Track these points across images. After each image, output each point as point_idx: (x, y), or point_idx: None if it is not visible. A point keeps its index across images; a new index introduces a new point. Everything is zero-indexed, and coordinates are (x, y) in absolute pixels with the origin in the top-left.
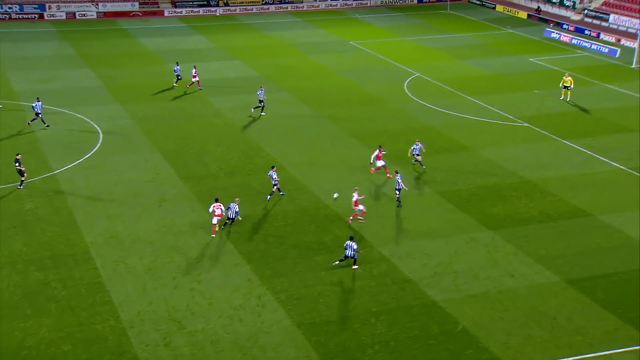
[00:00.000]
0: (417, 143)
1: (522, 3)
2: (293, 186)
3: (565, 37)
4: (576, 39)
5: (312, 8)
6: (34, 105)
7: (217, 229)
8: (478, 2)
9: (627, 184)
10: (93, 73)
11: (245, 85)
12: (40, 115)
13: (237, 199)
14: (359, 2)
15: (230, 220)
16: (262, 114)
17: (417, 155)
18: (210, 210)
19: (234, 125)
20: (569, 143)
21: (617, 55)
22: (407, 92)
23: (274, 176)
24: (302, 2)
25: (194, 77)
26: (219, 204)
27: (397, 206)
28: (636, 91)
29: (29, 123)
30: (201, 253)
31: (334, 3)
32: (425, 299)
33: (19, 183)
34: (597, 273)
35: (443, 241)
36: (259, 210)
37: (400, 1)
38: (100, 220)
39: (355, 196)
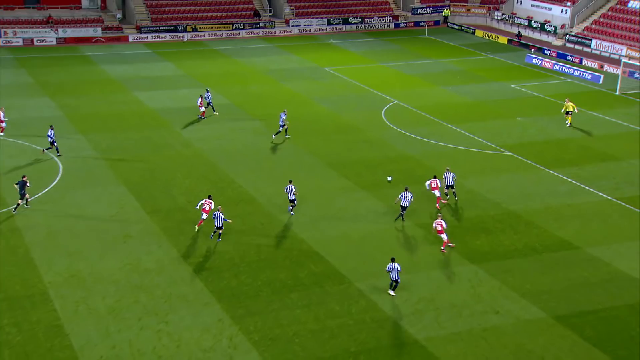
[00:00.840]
0: (448, 172)
1: (502, 28)
2: (266, 219)
3: (547, 63)
4: (558, 64)
5: (285, 33)
6: (49, 133)
7: (202, 224)
8: (457, 27)
9: (615, 215)
10: (53, 102)
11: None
12: (55, 144)
13: (219, 207)
14: (334, 27)
15: (219, 229)
16: (287, 136)
17: (451, 186)
18: (198, 206)
19: (204, 155)
20: (553, 172)
21: (600, 82)
22: (385, 120)
23: (293, 190)
24: (274, 27)
25: (203, 105)
26: (210, 200)
27: (401, 219)
28: (621, 118)
29: (43, 151)
30: (168, 292)
31: (307, 28)
32: (407, 338)
33: (17, 206)
34: (586, 309)
35: (424, 276)
36: (230, 245)
37: (377, 26)
38: (60, 259)
39: (441, 223)
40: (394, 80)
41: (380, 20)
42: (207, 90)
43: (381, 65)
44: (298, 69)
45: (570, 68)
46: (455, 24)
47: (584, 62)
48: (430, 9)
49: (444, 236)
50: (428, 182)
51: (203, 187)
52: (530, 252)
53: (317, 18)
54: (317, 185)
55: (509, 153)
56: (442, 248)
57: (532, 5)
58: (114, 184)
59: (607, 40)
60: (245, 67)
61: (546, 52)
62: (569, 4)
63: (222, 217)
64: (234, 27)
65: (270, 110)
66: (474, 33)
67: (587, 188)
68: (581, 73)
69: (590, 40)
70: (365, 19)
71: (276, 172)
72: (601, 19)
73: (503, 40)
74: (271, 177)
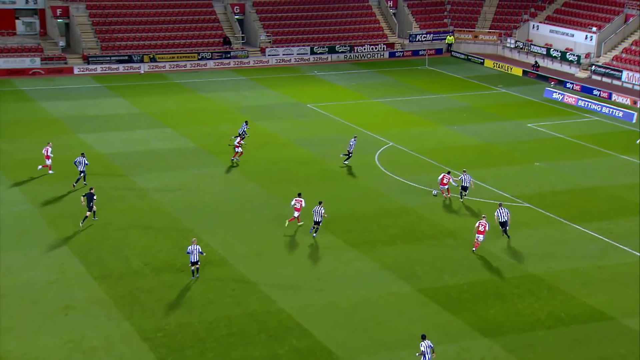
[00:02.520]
0: (465, 173)
1: (516, 57)
2: (238, 285)
3: (569, 98)
4: (583, 100)
5: (260, 64)
6: (76, 160)
7: (294, 220)
8: (462, 57)
9: None
10: None
11: (178, 159)
12: (83, 173)
13: (194, 239)
14: (318, 56)
15: (195, 264)
16: (346, 162)
17: (466, 188)
18: (293, 203)
19: (163, 209)
20: (580, 228)
21: (634, 120)
22: (379, 165)
23: (322, 212)
24: (247, 56)
25: (238, 145)
26: (301, 198)
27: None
28: None
29: (73, 185)
30: None
31: (286, 57)
32: None
33: (85, 219)
34: None
35: None
36: (194, 316)
37: (369, 56)
38: None
39: (485, 225)
40: (389, 119)
41: (372, 48)
42: (245, 122)
43: (374, 101)
44: (276, 106)
45: (598, 104)
46: (460, 53)
47: (614, 97)
48: (431, 35)
49: (481, 237)
50: (440, 176)
51: (162, 246)
52: (554, 324)
53: (298, 46)
54: (300, 242)
55: (527, 205)
56: (474, 249)
57: (551, 31)
58: (54, 244)
59: None
60: (213, 104)
61: (568, 85)
62: (594, 29)
63: (200, 250)
64: (199, 57)
65: (244, 156)
66: (482, 63)
67: (620, 247)
68: (610, 110)
69: (621, 71)
70: (355, 48)
71: (250, 228)
72: (633, 47)
73: (517, 71)
74: (244, 234)
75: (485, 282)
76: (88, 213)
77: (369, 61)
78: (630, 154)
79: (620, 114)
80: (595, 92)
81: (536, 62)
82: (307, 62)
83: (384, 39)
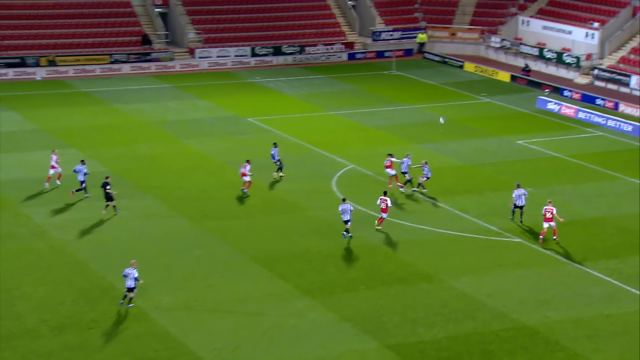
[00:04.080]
0: (408, 157)
1: (503, 60)
2: (161, 344)
3: (568, 109)
4: (584, 111)
5: (189, 69)
6: (76, 168)
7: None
8: (437, 59)
9: None
10: None
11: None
12: (84, 184)
13: (133, 262)
14: (261, 59)
15: (130, 291)
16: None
17: (406, 172)
18: (379, 203)
19: (67, 251)
20: (582, 267)
21: None
22: (337, 192)
23: (350, 208)
24: (172, 59)
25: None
26: (386, 197)
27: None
28: None
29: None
30: None
31: (221, 60)
32: None
33: (106, 207)
34: None
35: None
36: None
37: (323, 58)
38: None
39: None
40: (349, 136)
41: (327, 49)
42: (274, 145)
43: (330, 113)
44: (208, 121)
45: (602, 116)
46: (435, 55)
47: (621, 107)
48: (399, 33)
49: (551, 224)
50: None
51: (65, 297)
52: None
53: (236, 46)
54: (239, 290)
55: (518, 240)
56: (555, 237)
57: (545, 28)
58: None
59: None
60: (130, 119)
61: (566, 93)
62: (596, 25)
63: (136, 275)
64: (112, 60)
65: (169, 181)
66: (462, 67)
67: (632, 290)
68: (617, 124)
69: (629, 76)
70: (306, 48)
71: (176, 274)
72: None
73: (504, 76)
74: (168, 280)
75: (468, 336)
76: (110, 203)
77: (323, 65)
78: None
79: (629, 128)
80: (598, 101)
81: (527, 65)
82: (246, 66)
83: (342, 38)
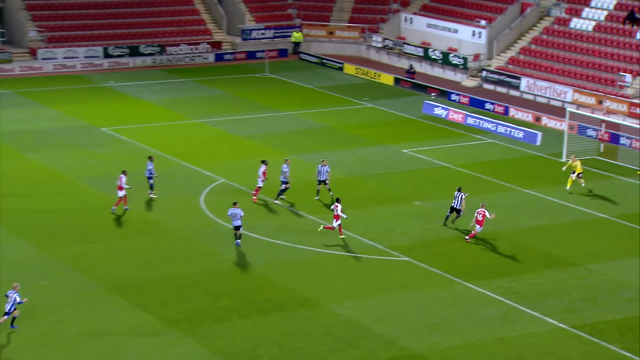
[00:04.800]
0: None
1: (386, 61)
2: None
3: (456, 114)
4: (473, 117)
5: (30, 72)
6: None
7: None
8: (314, 60)
9: (575, 355)
10: None
11: None
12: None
13: (16, 285)
14: (115, 60)
15: (7, 314)
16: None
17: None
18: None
19: None
20: (474, 287)
21: (537, 142)
22: (205, 210)
23: (240, 214)
24: (10, 61)
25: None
26: (338, 204)
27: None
28: (572, 200)
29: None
30: None
31: (69, 62)
32: None
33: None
34: None
35: None
36: None
37: (186, 59)
38: None
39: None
40: (218, 146)
41: (191, 49)
42: (150, 159)
43: (196, 122)
44: (56, 131)
45: (492, 122)
46: (311, 55)
47: (511, 112)
48: (272, 31)
49: (478, 228)
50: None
51: None
52: None
53: (85, 46)
54: (93, 325)
55: (406, 258)
56: (467, 238)
57: (429, 26)
58: None
59: (544, 79)
60: None
61: (454, 97)
62: (483, 22)
63: (18, 299)
64: None
65: (10, 203)
66: (341, 69)
67: (528, 311)
68: (508, 130)
69: (519, 78)
70: (167, 48)
71: (18, 308)
72: (533, 46)
73: (387, 79)
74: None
75: None
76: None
77: (187, 67)
78: (535, 188)
79: (521, 135)
80: (487, 105)
81: (411, 66)
82: (99, 68)
83: (207, 37)
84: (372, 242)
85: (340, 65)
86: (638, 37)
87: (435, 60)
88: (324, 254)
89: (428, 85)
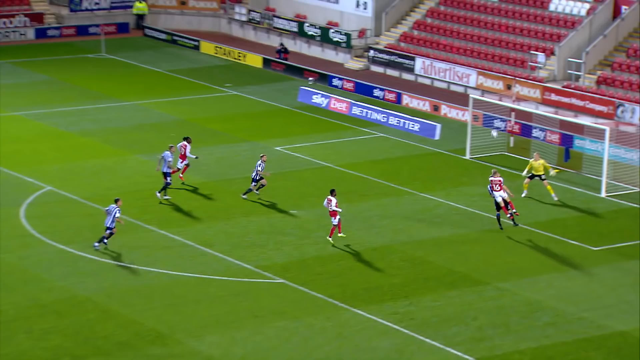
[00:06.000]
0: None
1: (252, 38)
2: None
3: (339, 103)
4: (359, 106)
5: None
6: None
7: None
8: (163, 37)
9: None
10: None
11: None
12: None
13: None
14: None
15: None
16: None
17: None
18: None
19: None
20: (364, 314)
21: (436, 136)
22: (26, 225)
23: (116, 214)
24: None
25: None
26: (332, 197)
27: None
28: (478, 206)
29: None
30: None
31: None
32: None
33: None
34: None
35: None
36: None
37: None
38: None
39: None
40: (42, 146)
41: (4, 24)
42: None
43: (14, 115)
44: None
45: (382, 112)
46: (160, 31)
47: (405, 100)
48: (108, 1)
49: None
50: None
51: None
52: None
53: None
54: None
55: (281, 280)
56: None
57: None
58: None
59: (443, 59)
60: None
61: (336, 82)
62: None
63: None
64: None
65: None
66: (197, 48)
67: (427, 341)
68: (401, 121)
69: (413, 59)
70: None
71: None
72: (428, 20)
73: (255, 60)
74: None
75: None
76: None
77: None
78: (435, 191)
79: (417, 127)
80: (376, 92)
81: (282, 45)
82: None
83: (25, 7)
84: (239, 261)
85: (196, 43)
86: (552, 8)
87: (312, 37)
88: (180, 277)
89: (304, 68)
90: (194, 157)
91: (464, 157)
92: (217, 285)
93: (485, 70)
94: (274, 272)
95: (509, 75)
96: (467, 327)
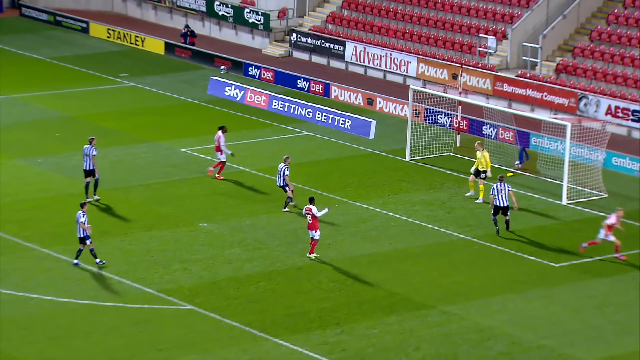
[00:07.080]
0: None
1: (151, 18)
2: None
3: (256, 96)
4: (280, 99)
5: None
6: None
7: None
8: (44, 18)
9: None
10: None
11: None
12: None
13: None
14: None
15: None
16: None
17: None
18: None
19: None
20: (286, 344)
21: (371, 135)
22: None
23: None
24: None
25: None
26: (311, 206)
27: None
28: (421, 217)
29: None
30: None
31: None
32: None
33: None
34: None
35: None
36: None
37: None
38: None
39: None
40: None
41: None
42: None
43: None
44: None
45: (307, 106)
46: (39, 11)
47: (334, 92)
48: None
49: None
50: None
51: None
52: None
53: None
54: None
55: (188, 306)
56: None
57: None
58: None
59: (378, 44)
60: None
61: (252, 72)
62: None
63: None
64: None
65: None
66: (86, 30)
67: None
68: (330, 117)
69: (343, 44)
70: None
71: None
72: None
73: (155, 46)
74: None
75: None
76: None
77: None
78: (370, 199)
79: (348, 124)
80: (300, 83)
81: (188, 27)
82: None
83: None
84: (138, 284)
85: (84, 25)
86: None
87: (223, 17)
88: (67, 304)
89: (215, 54)
90: (230, 152)
91: (403, 159)
92: (111, 314)
93: (428, 57)
94: (180, 297)
95: (455, 62)
96: (408, 359)
